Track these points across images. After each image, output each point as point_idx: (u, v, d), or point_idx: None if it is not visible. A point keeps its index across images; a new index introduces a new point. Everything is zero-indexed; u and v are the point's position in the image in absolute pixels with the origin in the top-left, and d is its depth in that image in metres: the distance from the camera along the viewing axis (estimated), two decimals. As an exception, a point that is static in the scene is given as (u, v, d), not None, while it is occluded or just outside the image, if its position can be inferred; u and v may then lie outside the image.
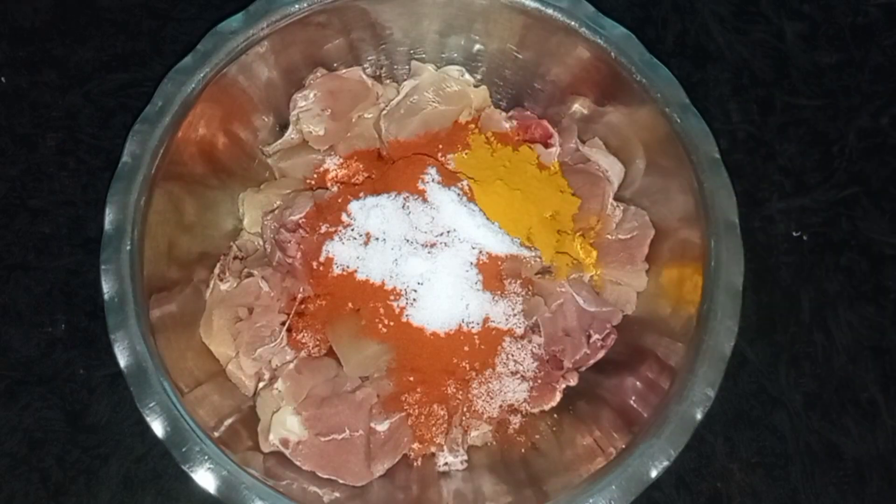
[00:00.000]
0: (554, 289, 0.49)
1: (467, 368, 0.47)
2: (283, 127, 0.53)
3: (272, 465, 0.44)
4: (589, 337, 0.49)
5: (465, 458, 0.47)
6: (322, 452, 0.44)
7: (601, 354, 0.49)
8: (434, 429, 0.47)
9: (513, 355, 0.47)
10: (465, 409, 0.47)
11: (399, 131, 0.52)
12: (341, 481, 0.44)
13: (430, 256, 0.46)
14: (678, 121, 0.46)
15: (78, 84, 0.59)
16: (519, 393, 0.48)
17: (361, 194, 0.49)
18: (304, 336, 0.48)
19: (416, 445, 0.47)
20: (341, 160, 0.53)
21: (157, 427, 0.39)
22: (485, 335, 0.47)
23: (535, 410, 0.49)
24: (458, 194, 0.48)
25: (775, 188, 0.59)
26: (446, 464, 0.47)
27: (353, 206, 0.48)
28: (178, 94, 0.45)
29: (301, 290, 0.48)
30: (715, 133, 0.45)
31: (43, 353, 0.53)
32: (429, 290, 0.46)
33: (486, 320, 0.47)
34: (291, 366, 0.46)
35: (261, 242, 0.51)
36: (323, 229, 0.48)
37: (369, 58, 0.54)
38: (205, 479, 0.39)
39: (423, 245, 0.47)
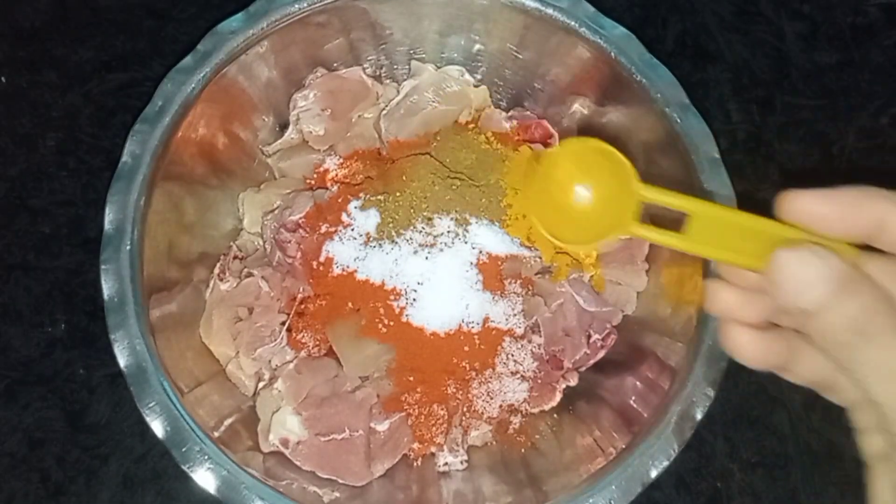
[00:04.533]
0: (554, 289, 0.49)
1: (467, 368, 0.47)
2: (283, 127, 0.53)
3: (272, 465, 0.44)
4: (589, 337, 0.49)
5: (465, 458, 0.47)
6: (322, 452, 0.44)
7: (601, 354, 0.49)
8: (434, 429, 0.46)
9: (513, 355, 0.47)
10: (465, 409, 0.47)
11: (399, 131, 0.52)
12: (341, 481, 0.44)
13: (430, 256, 0.46)
14: (678, 121, 0.46)
15: (78, 84, 0.59)
16: (519, 393, 0.48)
17: (361, 194, 0.49)
18: (304, 336, 0.48)
19: (416, 445, 0.47)
20: (341, 160, 0.53)
21: (157, 427, 0.39)
22: (485, 335, 0.47)
23: (535, 410, 0.49)
24: (458, 194, 0.48)
25: (775, 188, 0.58)
26: (446, 464, 0.47)
27: (353, 206, 0.48)
28: (178, 94, 0.45)
29: (301, 290, 0.48)
30: (715, 133, 0.45)
31: (43, 353, 0.52)
32: (429, 290, 0.46)
33: (486, 320, 0.47)
34: (291, 366, 0.46)
35: (261, 242, 0.51)
36: (323, 229, 0.48)
37: (369, 58, 0.54)
38: (205, 479, 0.39)
39: (422, 245, 0.47)
